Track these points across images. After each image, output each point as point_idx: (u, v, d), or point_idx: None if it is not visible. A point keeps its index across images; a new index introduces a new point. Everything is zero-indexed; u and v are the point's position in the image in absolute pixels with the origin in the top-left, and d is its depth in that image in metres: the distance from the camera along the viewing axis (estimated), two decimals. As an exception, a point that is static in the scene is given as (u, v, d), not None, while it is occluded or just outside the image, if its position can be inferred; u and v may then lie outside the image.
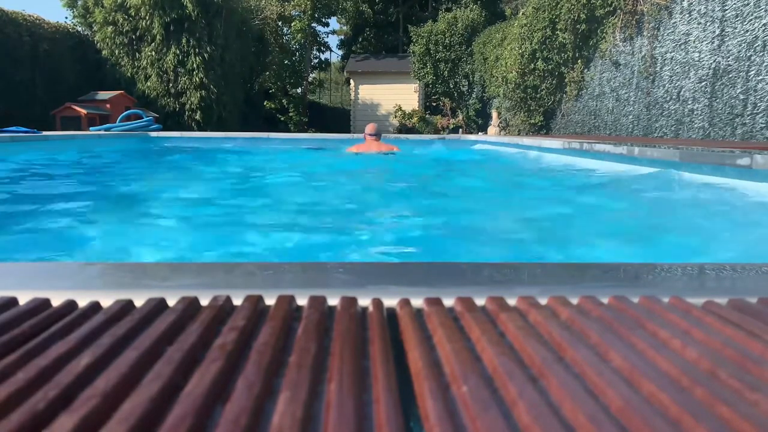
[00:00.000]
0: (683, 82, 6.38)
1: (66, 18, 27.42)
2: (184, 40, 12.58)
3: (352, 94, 17.27)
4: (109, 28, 12.48)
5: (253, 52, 15.44)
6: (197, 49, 12.65)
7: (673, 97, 6.58)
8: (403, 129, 15.36)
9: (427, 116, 15.63)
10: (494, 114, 11.82)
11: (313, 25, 17.79)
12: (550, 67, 9.21)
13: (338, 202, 3.36)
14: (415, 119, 15.41)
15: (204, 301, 0.60)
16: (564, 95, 9.33)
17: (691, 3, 6.23)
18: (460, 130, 14.34)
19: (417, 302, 0.61)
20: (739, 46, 5.47)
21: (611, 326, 0.54)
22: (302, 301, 0.61)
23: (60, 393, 0.38)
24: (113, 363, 0.43)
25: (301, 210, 2.93)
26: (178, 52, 12.61)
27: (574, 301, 0.61)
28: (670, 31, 6.64)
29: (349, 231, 2.34)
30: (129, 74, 12.90)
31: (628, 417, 0.36)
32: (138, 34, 12.61)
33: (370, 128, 6.77)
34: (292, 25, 16.95)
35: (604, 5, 7.83)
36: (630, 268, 0.80)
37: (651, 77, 7.00)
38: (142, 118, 10.10)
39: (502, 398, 0.40)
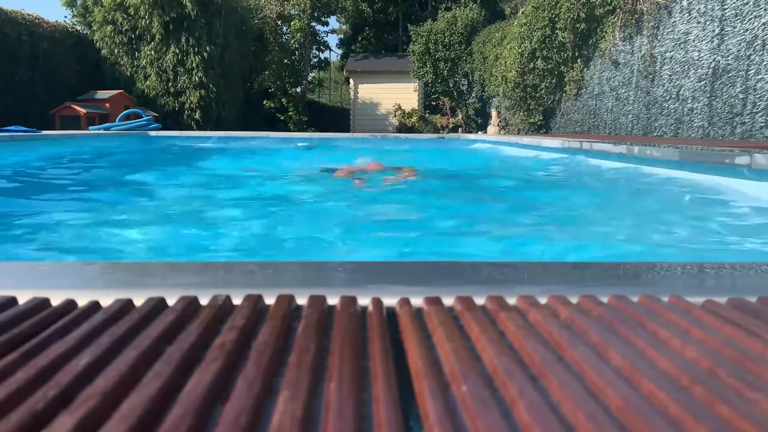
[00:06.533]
0: (683, 81, 6.37)
1: (65, 17, 27.41)
2: (183, 40, 12.57)
3: (352, 93, 17.27)
4: (109, 28, 12.47)
5: (253, 51, 15.43)
6: (197, 49, 12.64)
7: (673, 96, 6.57)
8: (402, 128, 15.36)
9: (427, 115, 15.62)
10: (494, 113, 11.82)
11: (312, 24, 17.76)
12: (549, 66, 9.20)
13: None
14: (414, 118, 15.41)
15: (204, 301, 0.60)
16: (563, 94, 9.32)
17: (691, 2, 6.23)
18: (460, 129, 14.34)
19: (417, 301, 0.61)
20: (739, 45, 5.47)
21: (611, 325, 0.54)
22: (302, 300, 0.61)
23: (60, 392, 0.38)
24: (113, 362, 0.43)
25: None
26: (177, 51, 12.60)
27: (574, 300, 0.61)
28: (669, 30, 6.64)
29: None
30: (128, 73, 12.89)
31: (628, 416, 0.36)
32: (137, 33, 12.60)
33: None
34: (292, 24, 16.93)
35: (603, 4, 7.83)
36: (630, 267, 0.80)
37: (650, 76, 7.00)
38: (142, 117, 10.10)
39: (501, 397, 0.40)
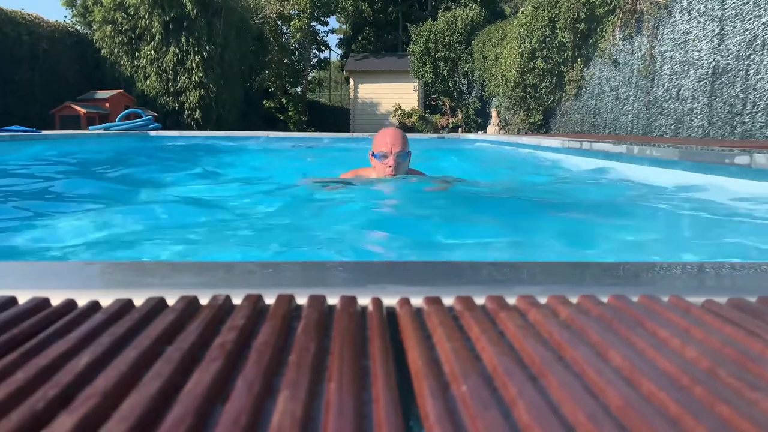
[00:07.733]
0: (683, 81, 6.38)
1: (65, 17, 27.46)
2: (183, 39, 12.58)
3: (352, 93, 17.28)
4: (108, 27, 12.47)
5: (253, 51, 15.45)
6: (196, 48, 12.65)
7: (673, 96, 6.58)
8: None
9: (427, 115, 15.64)
10: (494, 113, 11.82)
11: (312, 23, 17.77)
12: (549, 66, 9.21)
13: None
14: (414, 118, 15.42)
15: (203, 300, 0.60)
16: (563, 94, 9.33)
17: (691, 2, 6.23)
18: (460, 129, 14.35)
19: (416, 301, 0.61)
20: (739, 44, 5.47)
21: (611, 325, 0.54)
22: (302, 300, 0.61)
23: (59, 392, 0.38)
24: (113, 362, 0.43)
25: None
26: (177, 51, 12.61)
27: (574, 300, 0.61)
28: (669, 30, 6.64)
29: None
30: (128, 73, 12.90)
31: (627, 416, 0.36)
32: (137, 33, 12.61)
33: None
34: (292, 23, 16.95)
35: (603, 4, 7.83)
36: (630, 267, 0.80)
37: (650, 76, 7.00)
38: (142, 117, 10.09)
39: (501, 397, 0.40)
